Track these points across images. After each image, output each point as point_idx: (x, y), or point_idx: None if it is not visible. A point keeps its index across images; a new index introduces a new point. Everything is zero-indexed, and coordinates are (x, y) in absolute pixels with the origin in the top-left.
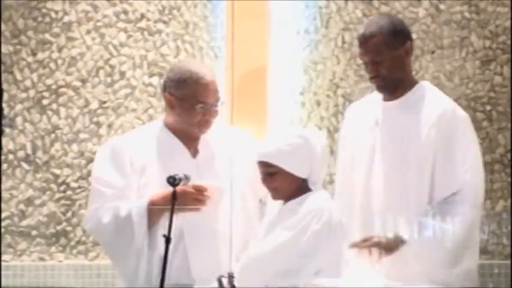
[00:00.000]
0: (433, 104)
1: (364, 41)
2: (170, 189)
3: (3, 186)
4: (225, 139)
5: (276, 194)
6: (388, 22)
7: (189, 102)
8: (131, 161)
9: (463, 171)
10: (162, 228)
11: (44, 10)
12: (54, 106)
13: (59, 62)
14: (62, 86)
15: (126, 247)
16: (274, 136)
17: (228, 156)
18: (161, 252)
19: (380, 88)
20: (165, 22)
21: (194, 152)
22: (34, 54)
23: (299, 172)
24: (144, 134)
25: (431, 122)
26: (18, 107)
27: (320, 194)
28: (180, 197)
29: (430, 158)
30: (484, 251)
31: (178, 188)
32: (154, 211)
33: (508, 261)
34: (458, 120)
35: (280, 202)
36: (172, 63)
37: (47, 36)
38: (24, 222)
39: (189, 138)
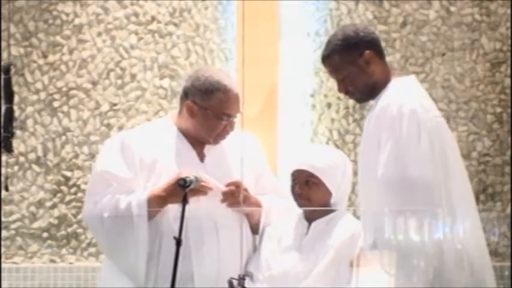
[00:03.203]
0: (379, 103)
1: (324, 62)
2: (170, 181)
3: (14, 189)
4: (230, 143)
5: (307, 203)
6: (341, 39)
7: (214, 113)
8: (141, 157)
9: (380, 168)
10: (165, 222)
11: (54, 12)
12: (65, 108)
13: (70, 64)
14: (72, 88)
15: (126, 241)
16: (320, 150)
17: (235, 159)
18: (165, 249)
19: (356, 101)
20: (175, 24)
21: (201, 157)
22: (45, 56)
23: (333, 189)
24: (154, 133)
25: (372, 121)
26: (29, 109)
27: (349, 215)
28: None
29: (375, 159)
30: (494, 253)
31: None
32: (154, 204)
33: None
34: (385, 117)
35: (299, 217)
36: (183, 65)
37: (58, 38)
38: (35, 225)
39: (198, 143)
